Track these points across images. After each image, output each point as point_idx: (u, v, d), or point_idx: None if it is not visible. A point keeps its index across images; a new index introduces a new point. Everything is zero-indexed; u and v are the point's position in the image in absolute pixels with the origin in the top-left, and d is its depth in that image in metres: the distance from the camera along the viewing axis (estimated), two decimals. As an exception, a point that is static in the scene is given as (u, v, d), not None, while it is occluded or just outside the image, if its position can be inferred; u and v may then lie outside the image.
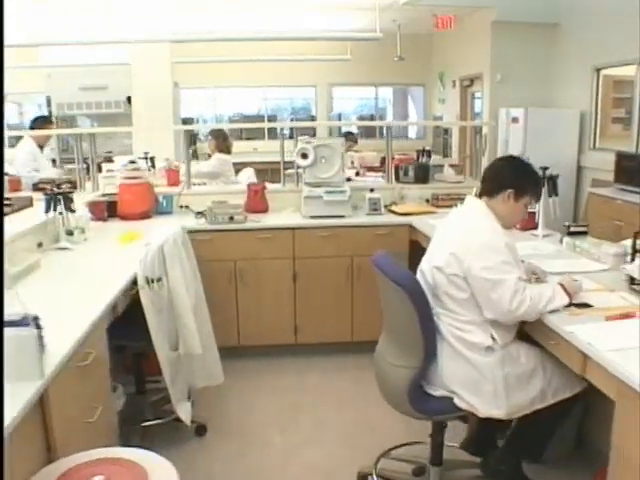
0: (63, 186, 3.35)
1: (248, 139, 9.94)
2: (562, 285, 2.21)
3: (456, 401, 2.20)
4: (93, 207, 4.10)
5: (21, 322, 1.71)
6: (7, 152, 5.40)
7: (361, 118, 11.63)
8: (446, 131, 8.28)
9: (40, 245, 3.23)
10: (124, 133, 7.39)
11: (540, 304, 2.11)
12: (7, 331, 1.62)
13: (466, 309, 2.19)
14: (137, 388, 3.27)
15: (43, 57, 8.10)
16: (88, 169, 5.45)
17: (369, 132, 10.21)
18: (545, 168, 3.33)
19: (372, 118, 10.91)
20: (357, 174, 6.20)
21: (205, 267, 3.91)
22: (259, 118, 10.15)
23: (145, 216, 4.20)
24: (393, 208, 4.27)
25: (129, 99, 7.04)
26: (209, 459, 2.99)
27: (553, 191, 3.34)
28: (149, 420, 3.11)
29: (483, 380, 2.16)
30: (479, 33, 7.34)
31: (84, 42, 6.91)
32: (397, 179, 4.66)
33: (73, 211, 3.35)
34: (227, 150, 5.76)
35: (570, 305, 2.17)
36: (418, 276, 2.35)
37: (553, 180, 3.33)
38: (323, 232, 3.98)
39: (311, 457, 2.98)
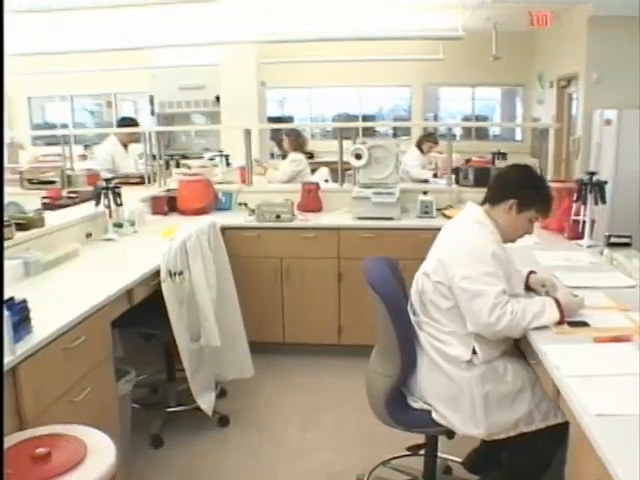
0: (114, 181, 3.57)
1: (344, 139, 9.94)
2: (556, 300, 2.04)
3: (434, 415, 2.10)
4: (154, 202, 4.34)
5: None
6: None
7: (465, 119, 11.31)
8: (544, 134, 7.82)
9: (89, 235, 3.47)
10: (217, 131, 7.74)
11: (524, 320, 1.96)
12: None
13: (449, 319, 2.08)
14: (167, 376, 3.42)
15: (149, 59, 8.64)
16: (168, 165, 5.79)
17: (466, 133, 9.92)
18: (592, 173, 3.09)
19: (470, 119, 10.57)
20: (435, 175, 6.06)
21: (252, 263, 4.04)
22: (354, 118, 10.15)
23: (203, 212, 4.36)
24: (446, 212, 4.13)
25: (218, 98, 7.32)
26: (223, 450, 3.06)
27: (600, 199, 3.07)
28: (172, 407, 3.24)
29: (461, 396, 2.05)
30: (575, 30, 6.87)
31: (181, 44, 7.31)
32: (457, 182, 4.50)
33: (120, 205, 3.55)
34: (301, 149, 5.83)
35: (561, 323, 2.00)
36: (413, 283, 2.28)
37: (600, 187, 3.06)
38: (369, 233, 3.93)
39: (321, 458, 2.97)
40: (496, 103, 11.66)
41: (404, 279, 2.42)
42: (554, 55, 7.78)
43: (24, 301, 2.04)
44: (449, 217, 4.04)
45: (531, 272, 2.39)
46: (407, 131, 9.98)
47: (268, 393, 3.65)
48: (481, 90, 10.54)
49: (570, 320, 2.03)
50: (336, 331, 4.10)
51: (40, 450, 1.69)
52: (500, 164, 5.03)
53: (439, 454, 2.66)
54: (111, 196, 3.48)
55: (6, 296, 2.03)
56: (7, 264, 2.63)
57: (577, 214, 3.21)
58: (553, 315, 1.99)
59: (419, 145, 6.52)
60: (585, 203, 3.12)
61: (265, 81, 7.60)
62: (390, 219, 4.03)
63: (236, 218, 4.18)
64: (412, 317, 2.20)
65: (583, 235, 3.15)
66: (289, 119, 10.54)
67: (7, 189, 4.95)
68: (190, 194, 4.36)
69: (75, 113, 11.22)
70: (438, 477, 2.58)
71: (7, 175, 5.47)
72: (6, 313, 1.86)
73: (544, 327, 1.98)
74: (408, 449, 2.50)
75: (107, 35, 7.69)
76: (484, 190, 4.34)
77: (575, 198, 3.18)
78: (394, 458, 2.69)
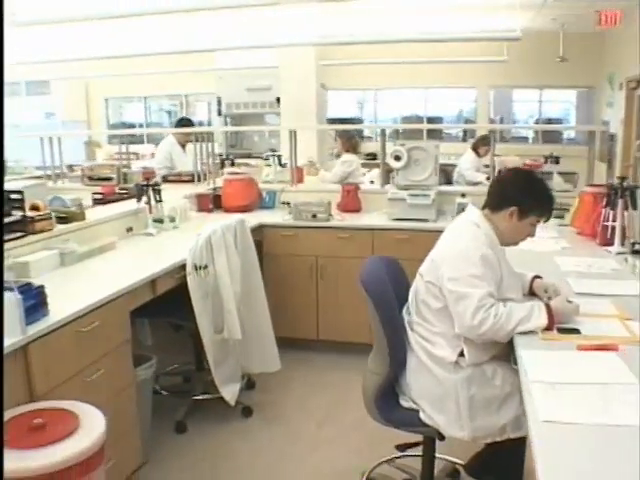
0: (154, 180, 3.77)
1: (408, 139, 9.91)
2: (547, 306, 2.01)
3: (422, 415, 2.12)
4: (199, 199, 4.53)
5: (8, 288, 2.03)
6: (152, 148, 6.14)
7: (537, 122, 10.96)
8: (613, 138, 7.50)
9: (130, 230, 3.68)
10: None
11: (509, 324, 1.94)
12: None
13: (439, 320, 2.09)
14: (196, 366, 3.57)
15: (216, 62, 8.93)
16: (223, 163, 6.01)
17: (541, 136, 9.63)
18: (623, 178, 2.98)
19: (537, 122, 10.24)
20: (488, 179, 5.95)
21: (288, 261, 4.16)
22: (418, 120, 10.07)
23: (246, 209, 4.50)
24: (484, 215, 4.07)
25: (278, 100, 7.49)
26: (242, 439, 3.17)
27: (632, 204, 2.96)
28: (198, 395, 3.39)
29: (447, 397, 2.05)
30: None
31: (245, 46, 7.53)
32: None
33: (160, 201, 3.74)
34: (354, 150, 5.90)
35: (550, 328, 1.96)
36: (413, 283, 2.30)
37: (632, 192, 2.95)
38: (402, 235, 3.94)
39: (332, 454, 3.03)
40: (571, 106, 11.25)
41: (408, 280, 2.44)
42: (623, 56, 7.42)
43: (41, 287, 2.23)
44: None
45: (536, 277, 2.35)
46: (474, 134, 9.80)
47: (295, 388, 3.73)
48: (552, 93, 10.18)
49: (562, 327, 1.99)
50: (367, 330, 4.11)
51: (37, 421, 1.86)
52: (549, 168, 4.88)
53: (446, 457, 2.68)
54: (151, 193, 3.67)
55: (38, 282, 2.25)
56: (44, 254, 2.87)
57: (607, 219, 3.11)
58: (540, 320, 1.95)
59: (475, 148, 6.43)
60: (614, 208, 3.01)
61: (325, 83, 7.71)
62: (425, 221, 4.03)
63: (276, 216, 4.30)
64: (406, 317, 2.22)
65: (613, 241, 3.04)
66: (358, 120, 10.58)
67: (72, 185, 5.34)
68: (233, 192, 4.51)
69: (152, 113, 11.76)
70: (442, 479, 2.59)
71: (78, 172, 5.85)
72: (19, 297, 2.03)
73: (532, 332, 1.96)
74: (397, 447, 2.52)
75: (177, 38, 8.04)
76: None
77: (604, 203, 3.07)
78: (399, 457, 2.70)
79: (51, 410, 1.95)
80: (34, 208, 3.05)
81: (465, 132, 10.79)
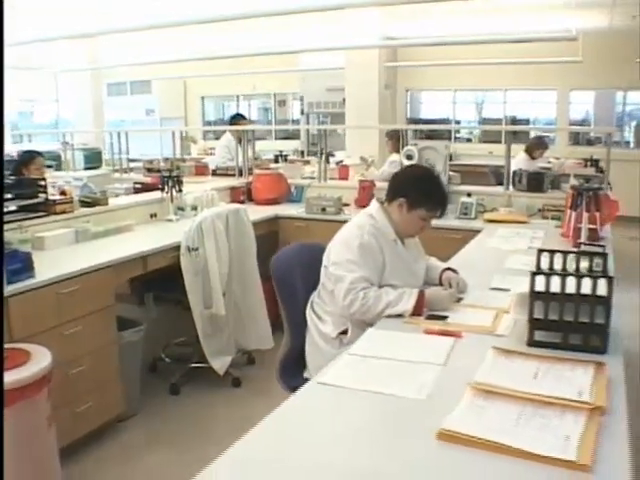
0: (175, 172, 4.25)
1: (485, 142, 9.83)
2: (421, 292, 2.20)
3: (314, 385, 2.38)
4: (232, 191, 4.98)
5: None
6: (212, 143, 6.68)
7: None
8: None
9: (154, 215, 4.19)
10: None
11: (377, 307, 2.16)
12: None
13: (331, 300, 2.33)
14: (196, 337, 4.00)
15: (301, 62, 9.41)
16: (277, 160, 6.44)
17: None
18: (587, 180, 3.04)
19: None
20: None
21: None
22: (498, 122, 9.90)
23: (274, 202, 4.90)
24: (487, 214, 4.17)
25: (344, 100, 7.80)
26: (225, 406, 3.55)
27: (594, 205, 2.99)
28: (193, 363, 3.82)
29: (329, 369, 2.30)
30: None
31: (321, 49, 7.93)
32: (514, 185, 4.47)
33: (180, 191, 4.22)
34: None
35: (418, 314, 2.15)
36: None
37: (595, 193, 2.99)
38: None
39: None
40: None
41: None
42: None
43: (28, 254, 2.75)
44: (488, 220, 4.10)
45: (448, 269, 2.52)
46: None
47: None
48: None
49: (432, 313, 2.18)
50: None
51: (-5, 356, 2.36)
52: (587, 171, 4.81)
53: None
54: (171, 183, 4.16)
55: (52, 255, 2.81)
56: (60, 231, 3.43)
57: (579, 221, 3.15)
58: (407, 305, 2.15)
59: (528, 150, 6.36)
60: (576, 210, 3.06)
61: (389, 84, 7.91)
62: (427, 218, 4.18)
63: (293, 209, 4.65)
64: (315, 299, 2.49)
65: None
66: (445, 121, 10.59)
67: (135, 176, 6.00)
68: (262, 186, 4.92)
69: (252, 111, 12.49)
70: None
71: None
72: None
73: (399, 316, 2.16)
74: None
75: (265, 40, 8.60)
76: (536, 195, 4.35)
77: (569, 204, 3.12)
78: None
79: (14, 349, 2.45)
80: (62, 193, 3.63)
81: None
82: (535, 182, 4.26)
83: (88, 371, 2.96)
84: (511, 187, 4.47)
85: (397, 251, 2.38)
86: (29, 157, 4.70)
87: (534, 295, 1.85)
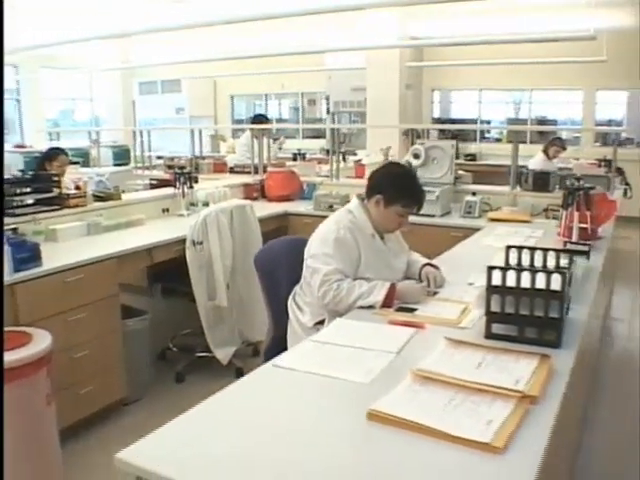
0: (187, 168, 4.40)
1: (510, 142, 9.70)
2: (393, 285, 2.28)
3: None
4: (246, 188, 5.12)
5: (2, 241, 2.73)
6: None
7: None
8: None
9: (166, 210, 4.36)
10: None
11: (349, 298, 2.25)
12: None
13: (310, 291, 2.44)
14: (202, 329, 4.14)
15: (326, 62, 9.51)
16: (295, 158, 6.56)
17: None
18: (578, 179, 3.07)
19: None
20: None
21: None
22: (521, 122, 9.80)
23: (286, 199, 5.02)
24: (491, 213, 4.21)
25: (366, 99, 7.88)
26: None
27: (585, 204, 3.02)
28: (198, 352, 3.97)
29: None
30: None
31: (346, 49, 8.03)
32: (520, 185, 4.49)
33: (191, 187, 4.37)
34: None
35: (387, 305, 2.24)
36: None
37: (585, 192, 3.01)
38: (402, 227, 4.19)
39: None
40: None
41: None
42: None
43: (36, 244, 2.93)
44: (492, 218, 4.13)
45: (428, 264, 2.59)
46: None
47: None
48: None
49: (402, 305, 2.26)
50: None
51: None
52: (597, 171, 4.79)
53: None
54: (182, 180, 4.32)
55: (64, 246, 3.05)
56: (73, 224, 3.62)
57: (571, 220, 3.18)
58: (378, 297, 2.23)
59: (545, 150, 6.34)
60: (567, 208, 3.09)
61: (411, 84, 7.95)
62: (431, 216, 4.25)
63: (302, 206, 4.76)
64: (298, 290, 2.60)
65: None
66: (467, 121, 10.57)
67: (157, 172, 6.20)
68: (274, 183, 5.05)
69: (282, 110, 12.66)
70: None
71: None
72: (8, 248, 2.74)
73: (371, 307, 2.25)
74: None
75: (292, 40, 8.75)
76: (542, 195, 4.37)
77: (561, 204, 3.15)
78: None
79: (16, 331, 2.63)
80: (77, 188, 3.83)
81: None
82: (541, 182, 4.28)
83: (91, 356, 3.13)
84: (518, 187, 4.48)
85: (374, 246, 2.47)
86: (53, 154, 4.93)
87: (491, 289, 1.92)
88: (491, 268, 1.93)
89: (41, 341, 2.59)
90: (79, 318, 3.04)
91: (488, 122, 10.58)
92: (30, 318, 2.81)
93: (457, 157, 9.06)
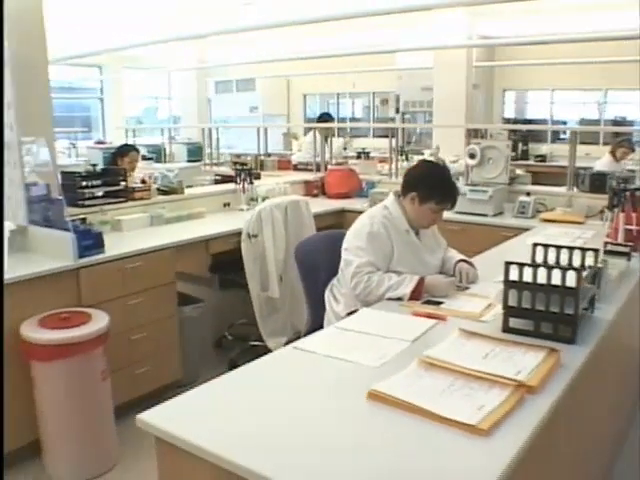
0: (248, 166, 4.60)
1: (582, 143, 9.37)
2: (421, 279, 2.36)
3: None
4: (306, 185, 5.28)
5: (67, 229, 3.00)
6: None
7: None
8: None
9: (227, 205, 4.57)
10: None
11: (379, 290, 2.35)
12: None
13: (346, 283, 2.54)
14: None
15: (397, 62, 9.53)
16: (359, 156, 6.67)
17: None
18: (625, 181, 3.03)
19: None
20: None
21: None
22: (595, 123, 9.41)
23: (345, 196, 5.15)
24: (544, 214, 4.16)
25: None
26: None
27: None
28: (252, 341, 4.16)
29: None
30: None
31: (414, 49, 8.06)
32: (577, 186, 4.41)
33: (251, 183, 4.57)
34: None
35: (416, 298, 2.32)
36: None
37: (632, 194, 2.96)
38: (454, 226, 4.22)
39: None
40: None
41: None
42: None
43: (99, 233, 3.19)
44: (544, 219, 4.10)
45: (462, 260, 2.65)
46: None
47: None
48: None
49: (430, 299, 2.34)
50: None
51: (64, 315, 2.81)
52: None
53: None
54: (243, 176, 4.52)
55: (129, 235, 3.39)
56: (137, 215, 3.88)
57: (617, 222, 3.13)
58: (407, 290, 2.32)
59: (613, 151, 6.14)
60: (612, 210, 3.05)
61: (478, 84, 7.86)
62: (484, 215, 4.26)
63: (357, 203, 4.87)
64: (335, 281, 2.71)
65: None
66: (540, 122, 10.28)
67: (224, 169, 6.46)
68: (333, 181, 5.18)
69: (356, 109, 12.75)
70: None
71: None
72: (73, 236, 3.00)
73: (400, 299, 2.34)
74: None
75: (363, 40, 8.85)
76: (599, 196, 4.30)
77: (607, 206, 3.11)
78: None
79: (78, 311, 2.89)
80: (142, 182, 4.10)
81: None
82: (598, 183, 4.19)
83: (148, 338, 3.37)
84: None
85: (408, 241, 2.55)
86: (124, 150, 5.27)
87: (508, 284, 1.97)
88: (509, 264, 1.98)
89: (99, 321, 2.84)
90: (137, 303, 3.28)
91: (564, 123, 10.26)
92: (92, 300, 3.07)
93: (527, 158, 8.97)
